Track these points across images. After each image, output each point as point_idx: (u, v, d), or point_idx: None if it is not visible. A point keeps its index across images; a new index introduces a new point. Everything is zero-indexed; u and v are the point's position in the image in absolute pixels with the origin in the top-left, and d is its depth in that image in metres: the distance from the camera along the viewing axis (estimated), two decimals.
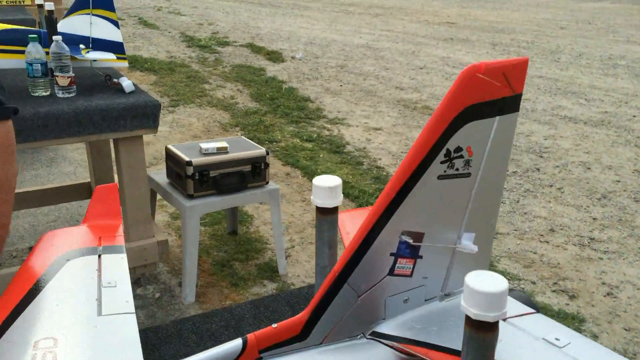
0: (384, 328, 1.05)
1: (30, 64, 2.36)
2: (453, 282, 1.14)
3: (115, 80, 2.62)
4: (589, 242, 3.40)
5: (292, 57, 8.29)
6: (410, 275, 1.07)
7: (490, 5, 16.85)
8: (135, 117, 2.42)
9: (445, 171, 1.00)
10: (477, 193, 1.05)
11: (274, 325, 0.86)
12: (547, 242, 3.41)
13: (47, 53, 2.39)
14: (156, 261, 2.72)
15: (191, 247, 2.64)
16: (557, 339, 1.00)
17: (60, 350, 0.73)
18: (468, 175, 1.04)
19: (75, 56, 2.48)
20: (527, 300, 1.17)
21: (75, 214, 3.54)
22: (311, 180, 3.02)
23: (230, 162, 2.68)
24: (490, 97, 0.95)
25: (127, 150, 2.48)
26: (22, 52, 2.40)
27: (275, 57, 8.25)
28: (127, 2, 14.45)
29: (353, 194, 3.87)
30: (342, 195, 1.10)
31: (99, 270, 0.93)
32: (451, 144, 0.97)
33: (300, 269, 3.02)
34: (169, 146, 2.78)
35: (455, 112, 0.91)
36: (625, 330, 2.61)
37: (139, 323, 2.47)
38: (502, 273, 3.05)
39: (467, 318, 0.80)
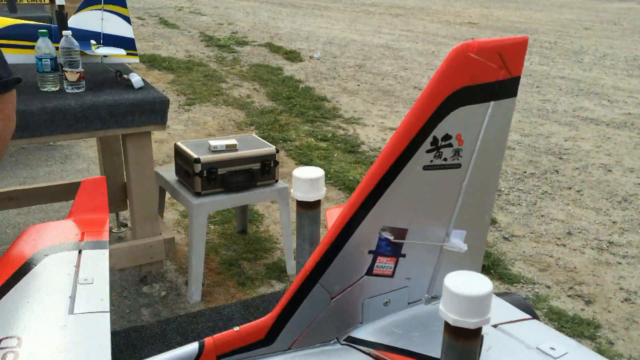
0: (361, 333, 0.95)
1: (40, 59, 2.35)
2: (440, 284, 1.01)
3: (125, 76, 2.61)
4: (607, 246, 3.30)
5: (310, 57, 8.25)
6: (392, 276, 0.98)
7: (513, 5, 16.62)
8: (143, 113, 2.40)
9: (431, 161, 0.90)
10: (468, 186, 0.95)
11: (236, 329, 0.78)
12: (564, 245, 3.32)
13: (57, 48, 2.38)
14: (163, 259, 2.70)
15: (198, 245, 2.62)
16: (552, 349, 0.91)
17: (23, 350, 0.70)
18: (458, 166, 0.94)
19: (85, 51, 2.47)
20: (525, 305, 1.07)
21: None
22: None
23: (239, 159, 2.65)
24: (484, 80, 0.85)
25: (134, 146, 2.47)
26: (32, 47, 2.39)
27: (293, 56, 8.22)
28: (149, 1, 14.54)
29: None
30: (325, 188, 1.02)
31: (78, 266, 0.89)
32: (439, 131, 0.87)
33: None
34: (178, 143, 2.76)
35: (443, 96, 0.82)
36: None
37: (143, 322, 2.45)
38: (516, 277, 2.97)
39: (446, 324, 0.72)
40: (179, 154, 2.72)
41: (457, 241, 0.97)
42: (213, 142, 2.69)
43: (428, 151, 0.88)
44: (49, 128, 2.26)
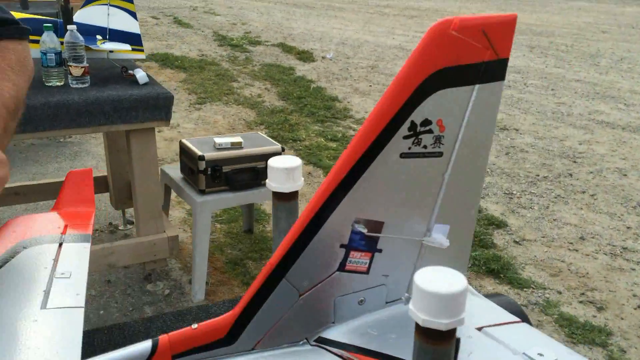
0: (333, 333, 0.87)
1: (45, 54, 2.33)
2: None
3: (130, 71, 2.58)
4: (621, 252, 3.22)
5: (323, 57, 8.22)
6: (367, 272, 0.89)
7: (529, 8, 16.47)
8: (147, 108, 2.37)
9: (409, 148, 0.81)
10: (451, 177, 0.87)
11: (194, 326, 0.72)
12: (577, 250, 3.24)
13: (62, 43, 2.36)
14: (166, 257, 2.67)
15: (202, 243, 2.58)
16: (540, 355, 0.83)
17: None
18: (439, 154, 0.84)
19: (90, 46, 2.45)
20: (516, 307, 0.99)
21: None
22: None
23: (244, 157, 2.62)
24: (467, 61, 0.78)
25: (138, 142, 2.44)
26: (37, 41, 2.38)
27: (305, 56, 8.19)
28: (165, 1, 14.60)
29: None
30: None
31: (56, 259, 0.85)
32: (417, 116, 0.78)
33: None
34: (183, 140, 2.73)
35: (421, 77, 0.74)
36: None
37: (147, 319, 2.42)
38: (527, 281, 2.90)
39: (416, 325, 0.65)
40: (184, 151, 2.69)
41: (439, 236, 0.88)
42: (218, 140, 2.65)
43: (405, 137, 0.79)
44: (52, 122, 2.24)
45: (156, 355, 0.70)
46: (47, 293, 0.79)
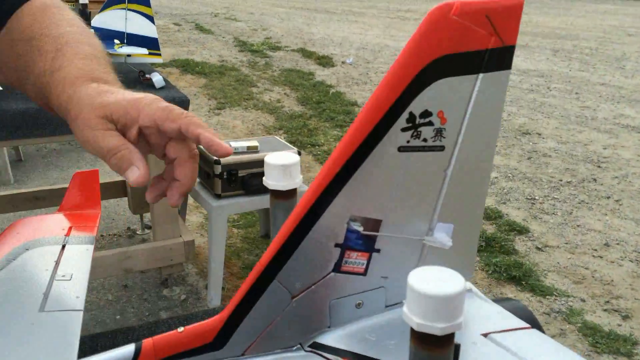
0: (328, 338, 0.81)
1: None
2: None
3: (147, 75, 2.59)
4: None
5: (343, 62, 8.20)
6: (364, 274, 0.83)
7: (553, 11, 16.27)
8: None
9: (408, 141, 0.74)
10: (454, 173, 0.81)
11: (180, 330, 0.68)
12: (601, 257, 3.16)
13: None
14: (182, 262, 2.66)
15: (217, 248, 2.57)
16: None
17: None
18: (441, 148, 0.78)
19: (108, 50, 2.46)
20: (525, 312, 0.92)
21: (112, 212, 3.54)
22: None
23: (260, 161, 2.59)
24: (470, 48, 0.72)
25: None
26: None
27: (325, 61, 8.17)
28: (186, 8, 14.74)
29: None
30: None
31: (57, 261, 0.84)
32: (416, 107, 0.72)
33: None
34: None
35: (419, 65, 0.69)
36: None
37: (152, 324, 2.40)
38: (549, 289, 2.83)
39: (411, 330, 0.60)
40: (200, 155, 2.68)
41: (441, 235, 0.82)
42: (234, 144, 2.64)
43: (404, 129, 0.73)
44: (67, 127, 2.24)
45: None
46: (46, 295, 0.77)
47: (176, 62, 7.56)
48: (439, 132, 0.75)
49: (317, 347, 0.77)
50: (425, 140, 0.74)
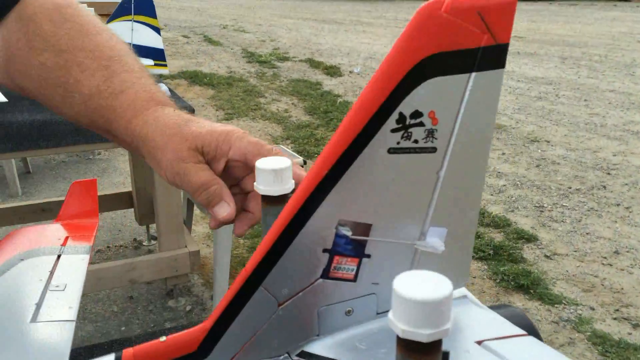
0: (317, 347, 0.78)
1: None
2: None
3: None
4: None
5: (350, 72, 8.21)
6: (354, 280, 0.79)
7: (562, 19, 16.23)
8: None
9: (398, 143, 0.72)
10: (447, 175, 0.78)
11: (162, 339, 0.66)
12: (611, 265, 3.12)
13: None
14: (188, 272, 2.66)
15: (222, 258, 2.56)
16: None
17: None
18: (432, 150, 0.75)
19: None
20: (523, 319, 0.89)
21: (119, 223, 3.55)
22: None
23: None
24: (461, 46, 0.69)
25: None
26: None
27: (332, 71, 8.19)
28: (195, 20, 14.86)
29: None
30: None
31: (52, 271, 0.83)
32: (406, 107, 0.70)
33: None
34: None
35: (409, 64, 0.66)
36: None
37: (149, 334, 2.39)
38: (558, 297, 2.80)
39: (397, 337, 0.57)
40: None
41: (434, 240, 0.79)
42: None
43: (393, 130, 0.71)
44: (74, 137, 2.26)
45: None
46: (38, 306, 0.76)
47: (185, 74, 7.61)
48: (430, 133, 0.72)
49: (306, 356, 0.75)
50: (416, 141, 0.72)
